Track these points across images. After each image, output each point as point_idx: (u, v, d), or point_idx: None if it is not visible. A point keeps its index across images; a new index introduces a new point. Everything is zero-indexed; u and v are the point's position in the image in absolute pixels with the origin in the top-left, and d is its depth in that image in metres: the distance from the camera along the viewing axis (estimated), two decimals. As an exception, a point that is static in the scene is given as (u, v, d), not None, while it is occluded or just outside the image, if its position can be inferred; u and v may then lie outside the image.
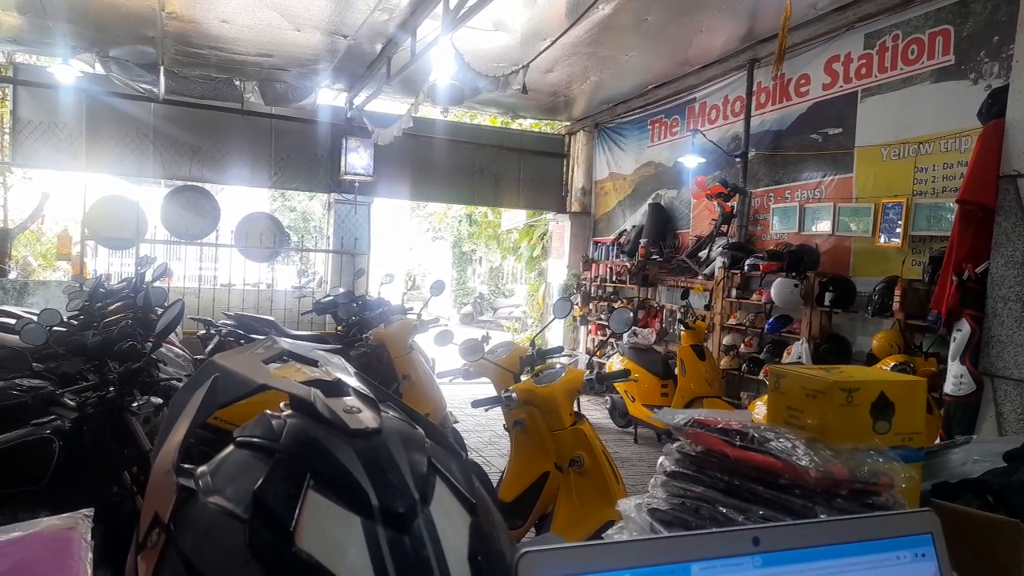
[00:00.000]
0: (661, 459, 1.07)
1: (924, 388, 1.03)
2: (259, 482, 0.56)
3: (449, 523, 0.58)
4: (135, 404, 2.93)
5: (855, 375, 1.05)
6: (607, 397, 7.78)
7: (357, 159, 8.60)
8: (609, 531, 1.06)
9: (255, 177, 8.67)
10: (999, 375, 3.06)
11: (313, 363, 0.80)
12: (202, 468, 0.62)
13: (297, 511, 0.54)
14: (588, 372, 3.33)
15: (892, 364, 4.69)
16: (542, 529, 3.43)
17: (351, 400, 0.65)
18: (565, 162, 10.53)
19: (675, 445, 1.06)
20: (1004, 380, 3.02)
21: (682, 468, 1.02)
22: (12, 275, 8.03)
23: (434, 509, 0.58)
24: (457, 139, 9.68)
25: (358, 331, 5.89)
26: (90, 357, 3.40)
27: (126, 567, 0.59)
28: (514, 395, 3.38)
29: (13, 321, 4.64)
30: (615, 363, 7.48)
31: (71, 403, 2.77)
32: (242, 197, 14.19)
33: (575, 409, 3.38)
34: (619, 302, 8.92)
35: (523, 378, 3.63)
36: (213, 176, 8.51)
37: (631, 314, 3.63)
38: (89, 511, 0.74)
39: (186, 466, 0.64)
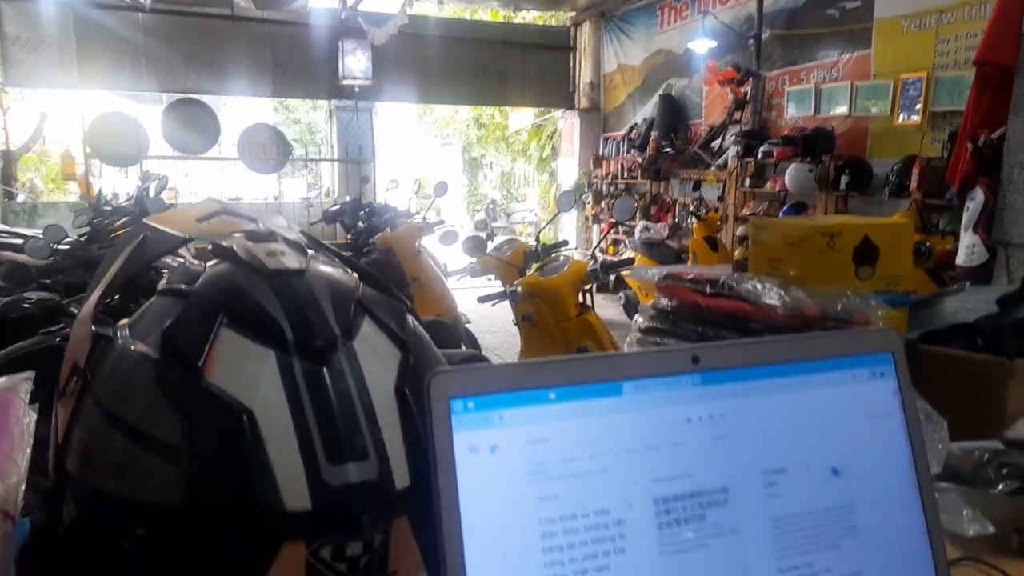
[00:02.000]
0: (636, 317, 1.04)
1: (911, 231, 0.98)
2: (169, 322, 0.53)
3: (375, 357, 0.56)
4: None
5: (838, 221, 1.00)
6: (621, 294, 7.78)
7: (355, 62, 8.34)
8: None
9: (253, 86, 8.46)
10: (1013, 243, 2.97)
11: (252, 220, 0.76)
12: (123, 320, 0.60)
13: (207, 347, 0.51)
14: (592, 263, 3.30)
15: (907, 245, 4.60)
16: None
17: (277, 245, 0.62)
18: (571, 56, 10.15)
19: (651, 303, 1.03)
20: (1018, 248, 2.93)
21: (656, 323, 0.99)
22: (20, 198, 8.03)
23: (358, 344, 0.55)
24: (458, 36, 9.32)
25: (367, 238, 5.87)
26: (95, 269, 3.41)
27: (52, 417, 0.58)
28: (519, 289, 3.37)
29: (20, 240, 4.69)
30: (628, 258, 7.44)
31: (76, 312, 2.80)
32: (245, 111, 13.95)
33: (580, 300, 3.37)
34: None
35: (528, 272, 3.61)
36: (210, 87, 8.31)
37: (634, 202, 3.56)
38: (29, 374, 0.73)
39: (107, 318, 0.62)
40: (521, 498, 0.47)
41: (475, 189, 16.78)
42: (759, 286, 0.82)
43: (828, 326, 0.79)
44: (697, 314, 0.91)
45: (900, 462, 0.57)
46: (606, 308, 8.34)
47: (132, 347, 0.54)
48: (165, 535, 0.47)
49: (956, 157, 3.59)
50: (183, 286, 0.58)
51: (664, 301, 0.98)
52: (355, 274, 0.66)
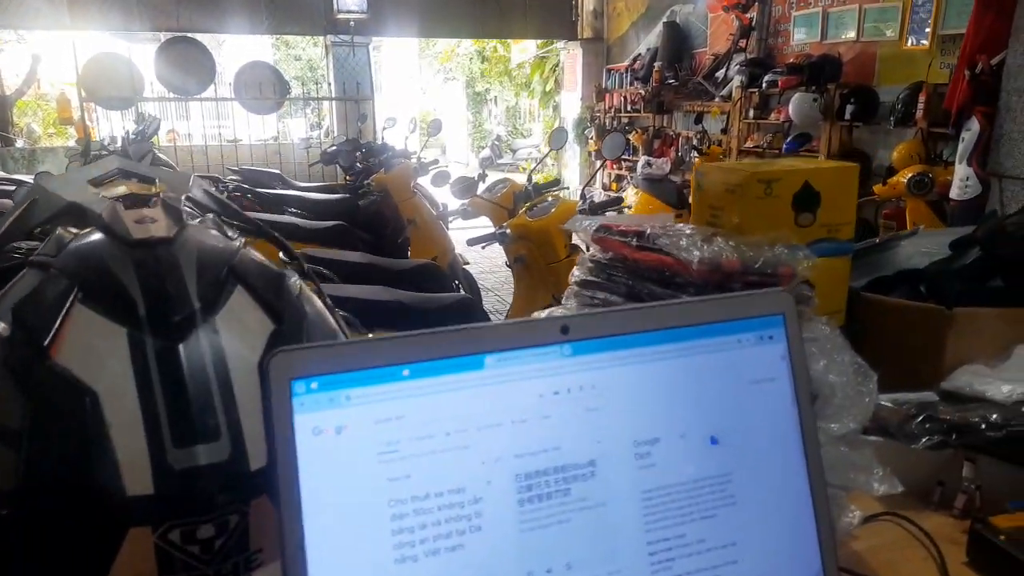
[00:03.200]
0: (574, 269, 1.02)
1: (855, 175, 0.94)
2: (20, 298, 0.51)
3: (241, 331, 0.54)
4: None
5: (781, 165, 0.96)
6: (623, 230, 7.71)
7: (350, -5, 8.10)
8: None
9: (246, 23, 8.25)
10: (1008, 175, 2.87)
11: (148, 180, 0.73)
12: None
13: (57, 325, 0.49)
14: (581, 203, 3.25)
15: (910, 175, 4.49)
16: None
17: (150, 211, 0.59)
18: (574, -18, 9.80)
19: (587, 254, 1.01)
20: (1013, 180, 2.84)
21: (591, 276, 0.97)
22: (19, 144, 7.98)
23: (223, 317, 0.54)
24: (456, -35, 9.00)
25: (364, 179, 5.81)
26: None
27: None
28: (508, 231, 3.34)
29: (14, 188, 4.68)
30: (629, 195, 7.34)
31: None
32: (245, 49, 13.67)
33: (570, 241, 3.34)
34: (633, 133, 8.61)
35: (518, 214, 3.56)
36: (203, 24, 8.10)
37: (623, 139, 3.48)
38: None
39: None
40: (369, 480, 0.46)
41: (480, 125, 16.50)
42: (680, 239, 0.80)
43: (749, 280, 0.77)
44: (627, 267, 0.89)
45: (786, 428, 0.55)
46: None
47: (-15, 322, 0.52)
48: (5, 521, 0.47)
49: (953, 85, 3.45)
50: (48, 257, 0.56)
51: (599, 253, 0.96)
52: (240, 240, 0.63)
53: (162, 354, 0.49)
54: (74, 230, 0.63)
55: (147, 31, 7.98)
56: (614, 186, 8.91)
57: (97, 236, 0.58)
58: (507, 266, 3.82)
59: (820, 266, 0.89)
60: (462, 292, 5.15)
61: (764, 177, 0.89)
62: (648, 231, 0.84)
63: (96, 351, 0.49)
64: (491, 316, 5.75)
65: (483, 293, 5.76)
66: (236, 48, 13.98)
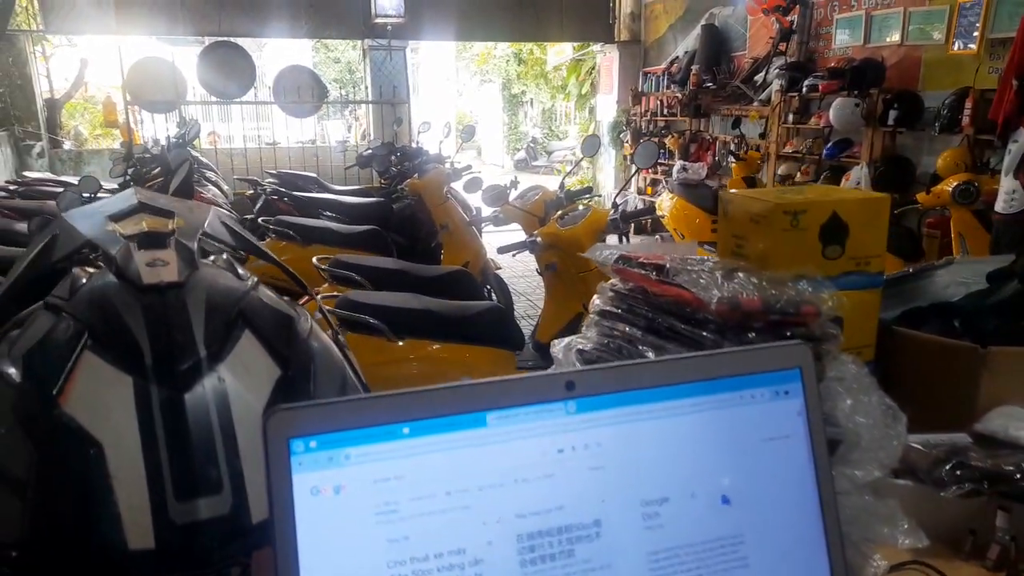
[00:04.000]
0: (594, 298, 1.01)
1: (886, 206, 0.90)
2: (32, 344, 0.52)
3: (247, 378, 0.54)
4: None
5: (809, 195, 0.93)
6: (657, 236, 7.64)
7: (387, 0, 8.16)
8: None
9: (286, 27, 8.36)
10: (1057, 190, 2.78)
11: (168, 215, 0.74)
12: (14, 331, 0.59)
13: (67, 373, 0.50)
14: (612, 212, 3.22)
15: (955, 184, 4.37)
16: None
17: (164, 252, 0.60)
18: (612, -16, 9.74)
19: (608, 283, 0.99)
20: (1062, 195, 2.75)
21: (612, 307, 0.95)
22: (66, 145, 8.22)
23: (229, 364, 0.54)
24: (492, -30, 9.01)
25: (398, 183, 5.85)
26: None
27: None
28: (538, 239, 3.33)
29: (62, 189, 4.81)
30: (664, 200, 7.27)
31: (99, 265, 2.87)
32: (284, 51, 13.87)
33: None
34: (669, 137, 8.52)
35: (550, 221, 3.55)
36: (244, 28, 8.24)
37: (656, 147, 3.44)
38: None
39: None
40: (368, 541, 0.45)
41: (515, 127, 16.50)
42: (700, 275, 0.78)
43: (770, 320, 0.75)
44: (647, 300, 0.87)
45: (801, 487, 0.54)
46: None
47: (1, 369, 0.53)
48: (8, 570, 0.47)
49: (1000, 94, 3.34)
50: (61, 300, 0.57)
51: (619, 283, 0.94)
52: (251, 280, 0.63)
53: (167, 405, 0.50)
54: (90, 269, 0.64)
55: (190, 36, 8.14)
56: (648, 190, 8.84)
57: (110, 279, 0.58)
58: (538, 273, 3.81)
59: (849, 300, 0.87)
60: (494, 297, 5.17)
61: (790, 208, 0.87)
62: (668, 265, 0.82)
63: (103, 400, 0.49)
64: (522, 321, 5.74)
65: (515, 297, 5.76)
66: (277, 51, 14.20)
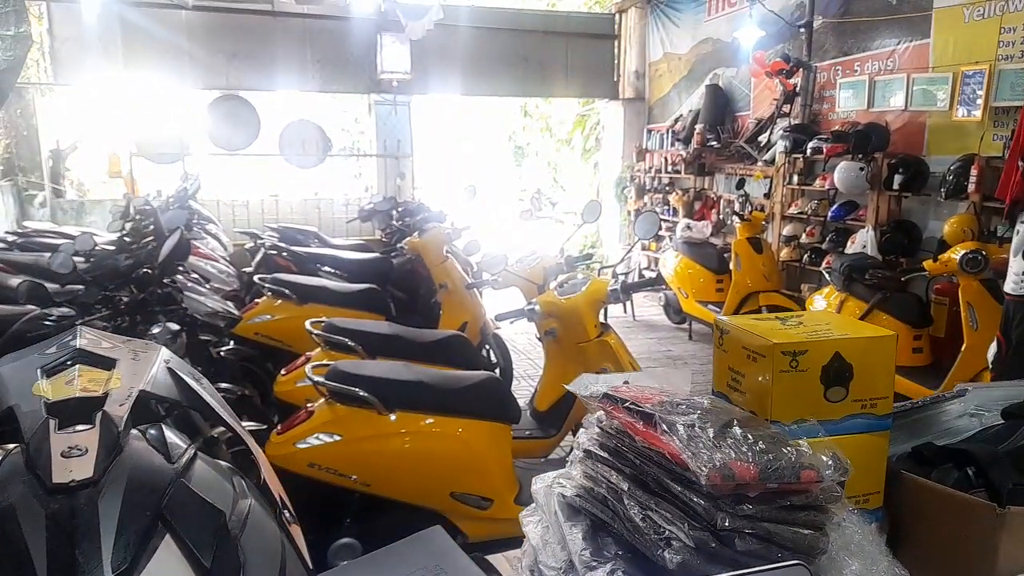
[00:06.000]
0: (580, 432, 0.93)
1: (892, 346, 0.83)
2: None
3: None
4: (153, 331, 2.96)
5: (815, 327, 0.86)
6: (661, 294, 7.59)
7: (393, 56, 8.27)
8: (522, 513, 0.95)
9: (295, 81, 8.48)
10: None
11: (109, 365, 0.68)
12: None
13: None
14: (612, 282, 3.16)
15: (963, 252, 4.30)
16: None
17: (85, 435, 0.53)
18: (616, 44, 9.88)
19: (595, 416, 0.92)
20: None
21: (598, 447, 0.88)
22: (69, 195, 8.26)
23: (143, 579, 0.46)
24: (498, 27, 9.15)
25: (399, 239, 5.82)
26: (117, 283, 3.41)
27: None
28: (537, 307, 3.27)
29: (61, 242, 4.79)
30: (668, 258, 7.23)
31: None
32: (292, 101, 14.06)
33: (600, 320, 3.24)
34: (673, 194, 8.54)
35: (549, 288, 3.50)
36: (252, 82, 8.35)
37: (657, 218, 3.40)
38: None
39: None
40: None
41: (520, 178, 16.59)
42: (690, 429, 0.71)
43: (766, 492, 0.67)
44: (633, 447, 0.80)
45: None
46: (646, 306, 8.15)
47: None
48: None
49: (1006, 174, 3.31)
50: None
51: (606, 419, 0.87)
52: (183, 460, 0.57)
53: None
54: (9, 446, 0.58)
55: (199, 89, 8.24)
56: (652, 246, 8.82)
57: (18, 470, 0.51)
58: (538, 339, 3.74)
59: (854, 444, 0.80)
60: (493, 358, 5.08)
61: (788, 349, 0.80)
62: (656, 415, 0.75)
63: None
64: (522, 382, 5.64)
65: (515, 356, 5.66)
66: (285, 103, 14.36)
